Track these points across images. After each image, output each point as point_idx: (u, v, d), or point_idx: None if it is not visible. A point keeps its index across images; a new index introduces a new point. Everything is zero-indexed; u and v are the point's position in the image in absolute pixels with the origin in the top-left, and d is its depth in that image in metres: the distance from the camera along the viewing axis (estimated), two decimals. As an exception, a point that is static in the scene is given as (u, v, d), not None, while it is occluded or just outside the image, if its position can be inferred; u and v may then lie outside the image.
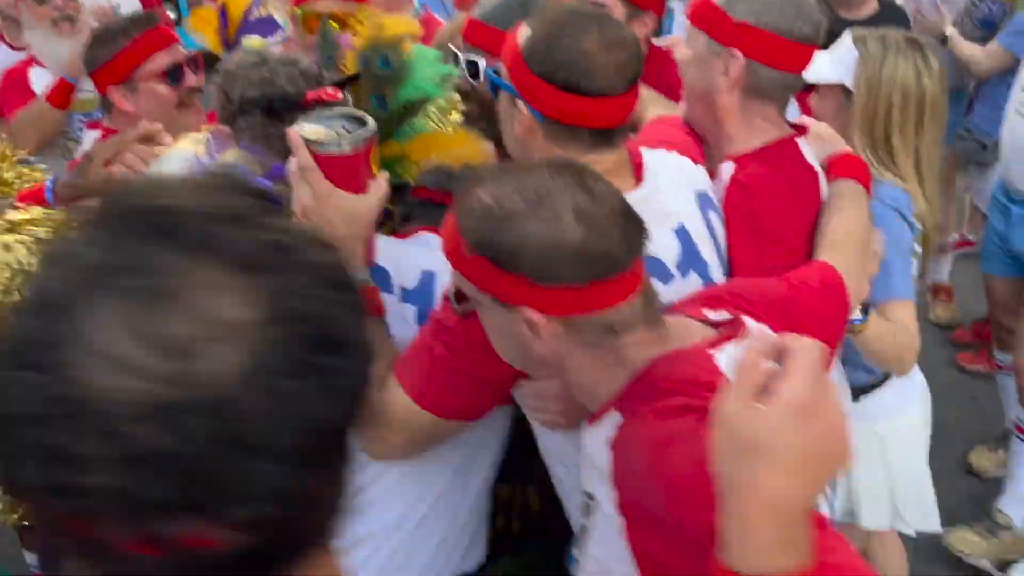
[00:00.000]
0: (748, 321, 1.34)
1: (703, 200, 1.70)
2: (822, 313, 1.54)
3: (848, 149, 1.86)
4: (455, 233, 1.27)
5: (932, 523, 2.46)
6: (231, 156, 1.65)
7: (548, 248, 1.19)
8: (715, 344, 1.28)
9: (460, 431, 1.57)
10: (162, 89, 2.31)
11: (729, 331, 1.31)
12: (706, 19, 1.76)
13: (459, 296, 1.35)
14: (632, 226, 1.25)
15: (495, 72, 1.62)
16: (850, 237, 1.70)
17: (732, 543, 0.89)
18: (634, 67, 1.55)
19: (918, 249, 2.12)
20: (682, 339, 1.29)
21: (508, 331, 1.29)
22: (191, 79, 2.33)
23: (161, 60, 2.29)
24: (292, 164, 1.52)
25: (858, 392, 2.24)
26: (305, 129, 1.52)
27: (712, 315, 1.36)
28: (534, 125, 1.54)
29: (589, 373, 1.29)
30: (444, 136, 1.84)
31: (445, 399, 1.48)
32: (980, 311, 4.59)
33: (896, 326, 1.97)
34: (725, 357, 1.23)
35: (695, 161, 1.75)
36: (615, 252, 1.22)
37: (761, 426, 0.86)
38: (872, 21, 3.29)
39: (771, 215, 1.72)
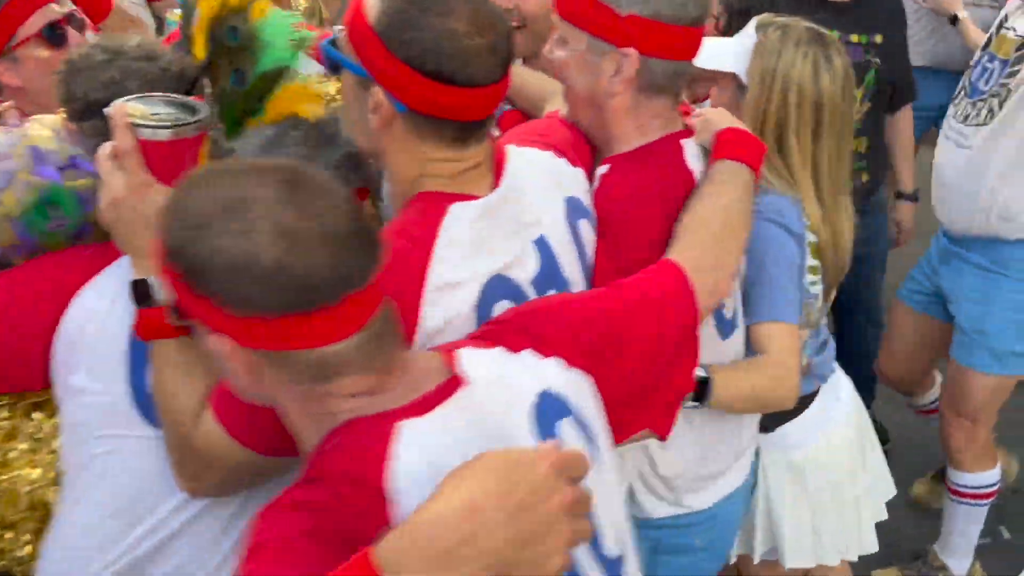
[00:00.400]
0: (474, 372, 1.13)
1: (573, 207, 1.50)
2: (655, 329, 1.34)
3: (736, 125, 1.65)
4: (158, 236, 1.08)
5: (867, 547, 2.26)
6: (42, 140, 1.47)
7: (235, 268, 0.99)
8: (419, 409, 1.08)
9: (288, 467, 1.39)
10: (43, 53, 2.11)
11: (445, 389, 1.11)
12: (585, 16, 1.53)
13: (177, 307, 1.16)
14: (355, 251, 1.04)
15: (332, 45, 1.40)
16: (708, 224, 1.49)
17: (392, 537, 0.87)
18: (506, 50, 1.35)
19: (812, 262, 1.90)
20: (405, 393, 1.08)
21: (215, 356, 1.10)
22: (75, 37, 2.15)
23: (35, 22, 2.10)
24: (106, 147, 1.35)
25: (770, 422, 2.04)
26: (127, 108, 1.36)
27: (466, 355, 1.16)
28: (393, 116, 1.34)
29: (296, 420, 1.11)
30: (298, 89, 1.67)
31: (261, 432, 1.30)
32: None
33: (750, 372, 1.75)
34: (406, 440, 1.03)
35: (573, 162, 1.56)
36: (320, 281, 1.00)
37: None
38: (860, 5, 3.02)
39: (630, 220, 1.53)
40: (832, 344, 2.15)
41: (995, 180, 2.59)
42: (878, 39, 2.99)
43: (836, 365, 2.22)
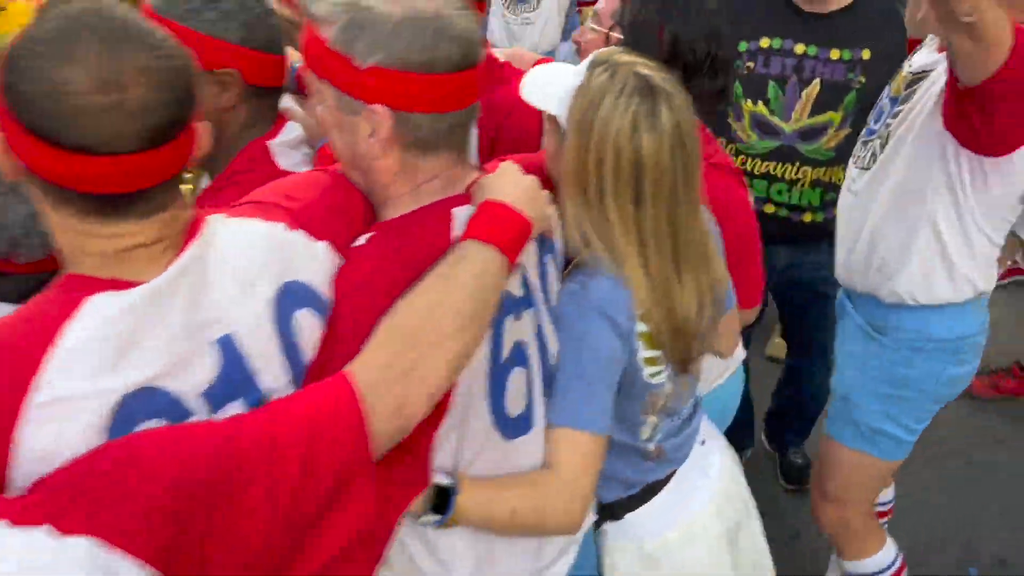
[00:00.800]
0: None
1: (292, 295, 1.23)
2: (288, 477, 1.05)
3: (516, 189, 1.37)
4: None
5: None
6: None
7: None
8: None
9: None
10: None
11: None
12: (327, 68, 1.28)
13: None
14: None
15: None
16: (410, 325, 1.21)
17: None
18: (162, 113, 1.07)
19: (649, 353, 1.59)
20: None
21: None
22: None
23: None
24: None
25: (616, 509, 1.78)
26: None
27: None
28: (17, 170, 1.09)
29: None
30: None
31: None
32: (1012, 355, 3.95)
33: (517, 489, 1.46)
34: None
35: (317, 233, 1.29)
36: None
37: None
38: (845, 15, 2.64)
39: (355, 312, 1.26)
40: (697, 420, 1.87)
41: (872, 231, 2.24)
42: (865, 54, 2.61)
43: (714, 435, 1.95)
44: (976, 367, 2.34)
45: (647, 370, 1.60)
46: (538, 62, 2.15)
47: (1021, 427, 3.75)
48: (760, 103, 2.68)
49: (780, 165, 2.71)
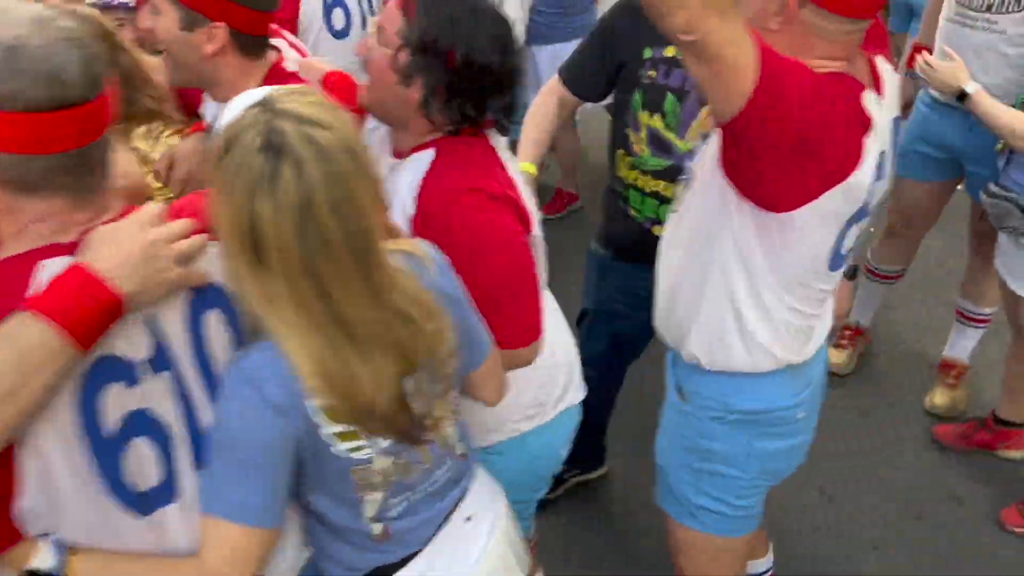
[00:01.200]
0: None
1: None
2: None
3: (94, 261, 1.18)
4: None
5: None
6: None
7: None
8: None
9: None
10: None
11: None
12: None
13: None
14: None
15: None
16: None
17: None
18: None
19: (337, 428, 1.36)
20: None
21: None
22: None
23: None
24: None
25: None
26: None
27: None
28: None
29: None
30: None
31: None
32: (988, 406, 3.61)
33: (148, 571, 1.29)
34: None
35: None
36: None
37: None
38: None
39: None
40: (455, 495, 1.62)
41: (673, 281, 1.92)
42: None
43: (490, 507, 1.68)
44: (807, 439, 2.03)
45: (342, 445, 1.38)
46: (328, 74, 1.99)
47: (983, 485, 3.40)
48: (657, 116, 2.43)
49: (670, 186, 2.45)
